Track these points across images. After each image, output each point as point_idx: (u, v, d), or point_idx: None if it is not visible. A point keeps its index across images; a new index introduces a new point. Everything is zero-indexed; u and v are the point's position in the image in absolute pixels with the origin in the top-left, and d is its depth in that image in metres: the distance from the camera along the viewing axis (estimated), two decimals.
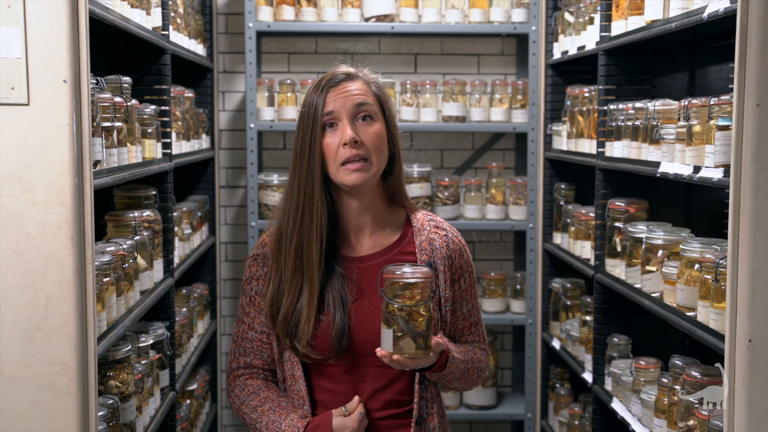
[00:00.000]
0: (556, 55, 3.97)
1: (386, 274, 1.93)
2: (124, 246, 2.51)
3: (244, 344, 2.17)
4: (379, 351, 1.92)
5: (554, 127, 4.04)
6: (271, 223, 2.17)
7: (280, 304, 2.06)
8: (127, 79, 2.66)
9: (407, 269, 1.93)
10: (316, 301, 2.04)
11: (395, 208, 2.17)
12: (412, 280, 1.91)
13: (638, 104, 2.92)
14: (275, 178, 4.15)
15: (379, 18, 4.14)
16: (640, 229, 2.87)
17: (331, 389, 2.10)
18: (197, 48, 3.85)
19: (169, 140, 3.10)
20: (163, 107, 3.06)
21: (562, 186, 4.03)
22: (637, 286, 2.85)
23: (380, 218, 2.14)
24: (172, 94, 3.22)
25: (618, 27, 3.09)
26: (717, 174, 2.23)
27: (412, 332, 1.89)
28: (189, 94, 3.68)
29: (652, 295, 2.71)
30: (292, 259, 2.05)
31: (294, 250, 2.05)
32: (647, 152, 2.79)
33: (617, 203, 3.14)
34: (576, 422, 3.74)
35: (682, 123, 2.55)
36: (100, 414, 2.18)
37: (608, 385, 3.18)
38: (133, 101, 2.67)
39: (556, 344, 3.92)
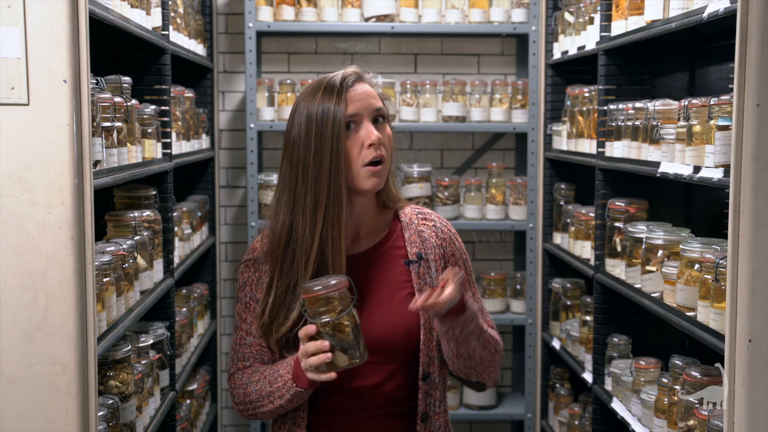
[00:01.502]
0: (556, 55, 3.96)
1: (303, 293, 1.89)
2: (124, 246, 2.51)
3: (243, 350, 2.12)
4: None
5: (554, 127, 4.04)
6: (272, 225, 2.11)
7: (287, 318, 2.00)
8: (127, 79, 2.66)
9: (326, 281, 1.88)
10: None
11: (386, 208, 2.16)
12: (328, 293, 1.87)
13: (638, 104, 2.92)
14: (275, 178, 4.15)
15: (379, 18, 4.13)
16: (640, 229, 2.87)
17: (326, 384, 2.07)
18: (197, 48, 3.85)
19: (169, 140, 3.10)
20: (163, 107, 3.06)
21: (562, 186, 4.03)
22: (637, 286, 2.85)
23: (372, 219, 2.12)
24: (172, 94, 3.22)
25: (618, 27, 3.09)
26: (717, 174, 2.23)
27: (341, 345, 1.88)
28: (189, 94, 3.68)
29: (652, 295, 2.71)
30: (312, 267, 1.97)
31: (315, 257, 1.97)
32: (647, 152, 2.79)
33: (617, 203, 3.14)
34: (576, 422, 3.74)
35: (682, 123, 2.55)
36: (100, 414, 2.18)
37: (608, 385, 3.18)
38: (133, 101, 2.67)
39: (556, 344, 3.92)
